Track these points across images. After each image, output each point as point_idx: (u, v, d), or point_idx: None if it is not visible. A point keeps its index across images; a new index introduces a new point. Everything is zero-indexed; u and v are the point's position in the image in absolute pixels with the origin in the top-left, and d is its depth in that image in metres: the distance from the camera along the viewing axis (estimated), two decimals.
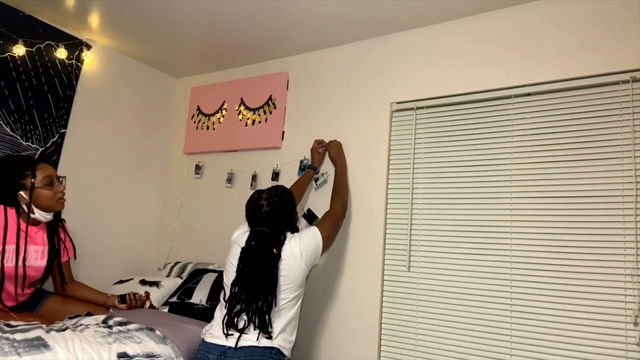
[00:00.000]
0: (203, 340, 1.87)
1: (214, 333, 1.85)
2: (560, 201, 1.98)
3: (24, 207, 2.00)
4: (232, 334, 1.81)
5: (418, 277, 2.26)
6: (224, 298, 1.90)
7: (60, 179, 2.14)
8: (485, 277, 2.09)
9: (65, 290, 2.25)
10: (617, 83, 1.94)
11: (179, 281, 2.68)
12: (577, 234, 1.93)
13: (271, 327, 1.82)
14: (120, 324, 1.84)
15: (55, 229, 2.15)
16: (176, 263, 2.94)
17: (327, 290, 2.49)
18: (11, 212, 1.99)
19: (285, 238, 1.95)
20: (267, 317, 1.82)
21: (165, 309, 2.46)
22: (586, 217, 1.92)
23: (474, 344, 2.07)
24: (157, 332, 1.84)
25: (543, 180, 2.04)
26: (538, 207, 2.03)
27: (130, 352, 1.66)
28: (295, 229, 2.06)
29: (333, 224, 2.19)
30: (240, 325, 1.81)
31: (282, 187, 2.06)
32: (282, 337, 1.86)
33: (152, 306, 2.44)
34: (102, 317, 1.90)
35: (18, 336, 1.54)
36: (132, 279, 2.77)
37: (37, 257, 2.07)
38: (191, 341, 1.91)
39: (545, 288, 1.95)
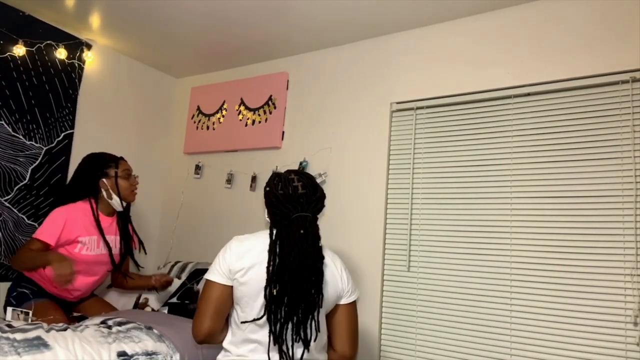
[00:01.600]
0: None
1: None
2: (560, 201, 1.98)
3: (104, 193, 2.26)
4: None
5: (418, 277, 2.26)
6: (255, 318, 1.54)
7: (135, 176, 2.39)
8: (485, 277, 2.09)
9: (127, 280, 2.45)
10: (617, 83, 1.94)
11: (177, 283, 2.67)
12: (577, 234, 1.93)
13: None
14: (119, 324, 1.84)
15: (126, 219, 2.39)
16: (176, 263, 2.94)
17: None
18: (87, 207, 2.23)
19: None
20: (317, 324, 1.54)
21: (165, 310, 2.46)
22: (586, 217, 1.92)
23: (474, 344, 2.07)
24: (155, 331, 1.85)
25: (543, 180, 2.04)
26: (538, 207, 2.03)
27: (130, 352, 1.66)
28: None
29: None
30: (289, 342, 1.51)
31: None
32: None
33: (152, 308, 2.44)
34: (100, 318, 1.91)
35: (18, 336, 1.54)
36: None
37: (113, 246, 2.30)
38: (188, 337, 1.92)
39: (545, 288, 1.95)
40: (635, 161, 1.86)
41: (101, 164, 2.29)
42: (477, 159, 2.21)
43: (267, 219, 1.67)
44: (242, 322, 1.55)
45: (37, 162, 2.62)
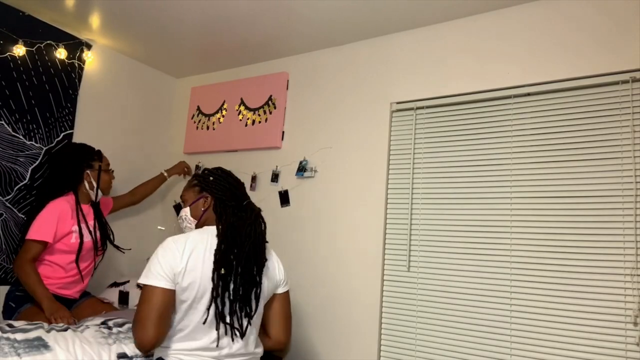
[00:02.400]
0: None
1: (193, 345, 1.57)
2: (560, 201, 1.98)
3: (86, 184, 2.34)
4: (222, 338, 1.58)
5: (418, 277, 2.26)
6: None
7: (112, 170, 2.50)
8: (485, 277, 2.09)
9: (133, 196, 2.81)
10: (617, 83, 1.94)
11: None
12: (577, 234, 1.93)
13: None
14: (120, 324, 1.84)
15: (97, 206, 2.46)
16: None
17: (327, 290, 2.49)
18: (72, 198, 2.30)
19: None
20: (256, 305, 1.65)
21: None
22: (586, 217, 1.92)
23: (474, 344, 2.07)
24: None
25: (543, 180, 2.04)
26: (538, 207, 2.03)
27: (130, 353, 1.66)
28: None
29: None
30: (237, 316, 1.60)
31: None
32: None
33: None
34: (101, 318, 1.91)
35: (18, 336, 1.54)
36: (128, 281, 2.74)
37: (94, 231, 2.38)
38: None
39: (545, 288, 1.95)
40: (635, 161, 1.86)
41: (86, 156, 2.38)
42: (477, 159, 2.21)
43: (190, 218, 1.76)
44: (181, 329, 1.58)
45: (37, 162, 2.62)
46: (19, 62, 2.56)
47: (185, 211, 1.77)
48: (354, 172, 2.53)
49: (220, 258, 1.56)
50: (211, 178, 1.77)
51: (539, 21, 2.14)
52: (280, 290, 1.81)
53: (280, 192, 2.77)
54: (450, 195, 2.25)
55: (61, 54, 2.72)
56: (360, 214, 2.46)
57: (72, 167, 2.33)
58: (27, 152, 2.58)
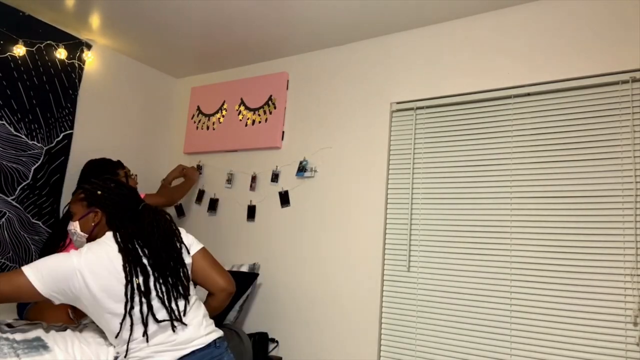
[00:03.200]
0: None
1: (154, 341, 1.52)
2: (560, 201, 1.98)
3: None
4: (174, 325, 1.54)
5: (418, 277, 2.26)
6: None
7: (135, 175, 2.65)
8: (485, 277, 2.09)
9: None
10: (617, 83, 1.94)
11: None
12: (577, 234, 1.93)
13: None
14: None
15: None
16: None
17: (327, 290, 2.49)
18: None
19: None
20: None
21: None
22: (586, 217, 1.92)
23: (474, 344, 2.07)
24: None
25: (543, 180, 2.04)
26: (538, 207, 2.03)
27: None
28: None
29: None
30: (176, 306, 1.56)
31: None
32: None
33: None
34: None
35: (18, 336, 1.54)
36: None
37: None
38: None
39: (545, 288, 1.95)
40: (635, 161, 1.86)
41: (112, 167, 2.48)
42: (477, 159, 2.21)
43: (80, 233, 1.66)
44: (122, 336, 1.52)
45: (39, 162, 2.62)
46: (19, 62, 2.56)
47: (75, 225, 1.68)
48: (354, 172, 2.53)
49: (131, 270, 1.51)
50: (99, 192, 1.67)
51: (539, 21, 2.14)
52: (194, 250, 1.75)
53: (280, 193, 2.77)
54: (450, 195, 2.25)
55: (61, 54, 2.72)
56: (360, 213, 2.46)
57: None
58: (29, 152, 2.59)
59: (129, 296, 1.49)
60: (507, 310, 2.02)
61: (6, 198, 2.48)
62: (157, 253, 1.60)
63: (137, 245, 1.58)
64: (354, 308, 2.38)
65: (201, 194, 3.15)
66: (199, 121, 3.25)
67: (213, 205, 3.06)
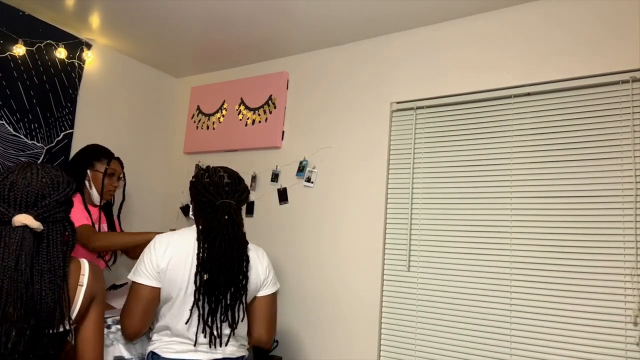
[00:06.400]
0: (155, 355, 1.61)
1: (176, 348, 1.60)
2: (560, 201, 1.98)
3: (87, 184, 2.29)
4: (206, 343, 1.59)
5: (418, 277, 2.26)
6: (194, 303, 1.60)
7: (120, 178, 2.43)
8: (485, 277, 2.09)
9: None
10: (617, 83, 1.94)
11: None
12: (577, 234, 1.93)
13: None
14: (119, 322, 1.84)
15: (103, 209, 2.40)
16: None
17: (327, 290, 2.49)
18: (78, 198, 2.24)
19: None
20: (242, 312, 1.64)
21: None
22: (586, 217, 1.92)
23: (474, 344, 2.06)
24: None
25: (543, 180, 2.03)
26: (538, 207, 2.03)
27: (127, 356, 1.66)
28: None
29: None
30: (218, 331, 1.60)
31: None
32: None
33: None
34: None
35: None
36: (126, 283, 2.73)
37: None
38: None
39: (545, 288, 1.95)
40: (635, 161, 1.86)
41: (93, 156, 2.33)
42: (477, 159, 2.21)
43: (192, 216, 1.75)
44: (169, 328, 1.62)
45: (39, 161, 2.62)
46: (19, 61, 2.56)
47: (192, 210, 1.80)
48: (354, 172, 2.53)
49: (200, 264, 1.58)
50: (192, 179, 1.75)
51: (539, 21, 2.14)
52: (263, 293, 1.76)
53: (279, 190, 2.77)
54: (450, 195, 2.25)
55: (61, 53, 2.72)
56: (360, 213, 2.46)
57: (76, 162, 2.31)
58: (29, 152, 2.58)
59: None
60: (507, 310, 2.02)
61: None
62: (220, 265, 1.59)
63: (206, 245, 1.61)
64: (354, 308, 2.38)
65: None
66: (199, 121, 3.24)
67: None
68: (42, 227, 1.16)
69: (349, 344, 2.36)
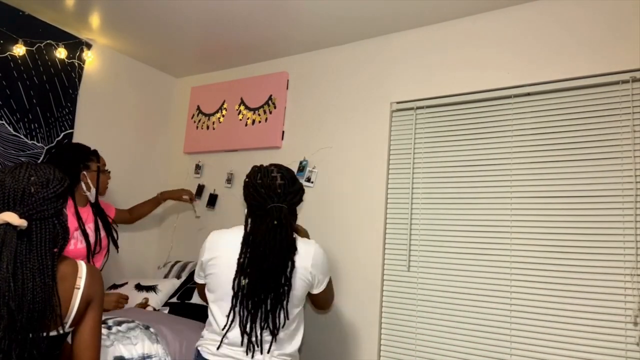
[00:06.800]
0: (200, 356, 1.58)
1: (213, 350, 1.57)
2: (560, 201, 1.98)
3: (83, 185, 2.26)
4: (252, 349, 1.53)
5: (418, 277, 2.26)
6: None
7: (109, 171, 2.43)
8: (485, 277, 2.09)
9: (130, 214, 2.71)
10: (617, 83, 1.94)
11: (177, 283, 2.67)
12: (577, 234, 1.93)
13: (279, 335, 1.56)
14: (119, 323, 1.84)
15: (98, 206, 2.39)
16: (176, 262, 2.94)
17: None
18: (70, 202, 2.20)
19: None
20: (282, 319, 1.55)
21: (166, 310, 2.46)
22: (586, 217, 1.92)
23: (474, 344, 2.07)
24: (151, 329, 1.87)
25: (543, 181, 2.03)
26: (538, 207, 2.02)
27: (127, 355, 1.66)
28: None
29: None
30: (259, 336, 1.53)
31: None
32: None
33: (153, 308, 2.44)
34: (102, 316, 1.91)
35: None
36: (126, 283, 2.73)
37: (92, 235, 2.30)
38: (185, 339, 1.93)
39: (545, 288, 1.95)
40: (635, 161, 1.86)
41: (83, 157, 2.30)
42: (477, 159, 2.21)
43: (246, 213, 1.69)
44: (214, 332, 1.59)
45: (39, 161, 2.62)
46: (19, 61, 2.56)
47: None
48: (354, 172, 2.53)
49: (239, 269, 1.54)
50: (246, 180, 1.69)
51: (539, 21, 2.14)
52: (315, 292, 1.70)
53: None
54: (450, 195, 2.25)
55: (61, 53, 2.72)
56: (360, 213, 2.46)
57: (68, 167, 2.19)
58: (28, 152, 2.58)
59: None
60: (507, 310, 2.02)
61: None
62: (262, 270, 1.52)
63: (249, 249, 1.58)
64: (354, 308, 2.38)
65: (201, 188, 3.15)
66: (199, 121, 3.24)
67: (212, 201, 3.07)
68: (25, 225, 1.13)
69: (349, 343, 2.36)
